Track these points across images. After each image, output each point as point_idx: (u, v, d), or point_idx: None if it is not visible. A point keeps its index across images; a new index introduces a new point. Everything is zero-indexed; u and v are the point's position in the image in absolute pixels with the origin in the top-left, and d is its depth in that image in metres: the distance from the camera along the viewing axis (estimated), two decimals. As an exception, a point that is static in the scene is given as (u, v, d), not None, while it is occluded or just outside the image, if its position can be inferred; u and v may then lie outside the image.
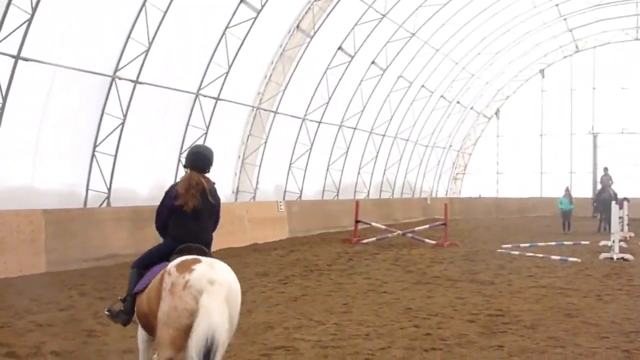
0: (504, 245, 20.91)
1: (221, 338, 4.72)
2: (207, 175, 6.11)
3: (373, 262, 17.05)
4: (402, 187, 36.83)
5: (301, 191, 26.45)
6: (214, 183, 6.18)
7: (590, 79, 40.55)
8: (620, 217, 20.46)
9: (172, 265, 5.26)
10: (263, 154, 24.05)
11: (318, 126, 26.40)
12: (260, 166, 24.03)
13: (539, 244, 21.41)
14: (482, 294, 12.00)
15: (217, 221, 6.53)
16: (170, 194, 6.12)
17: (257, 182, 24.01)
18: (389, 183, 35.05)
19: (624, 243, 20.30)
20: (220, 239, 19.43)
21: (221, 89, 20.64)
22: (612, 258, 17.26)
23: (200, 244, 5.96)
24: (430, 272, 15.06)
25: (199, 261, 5.29)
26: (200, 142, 20.48)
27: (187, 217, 5.98)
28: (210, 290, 4.92)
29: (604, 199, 26.93)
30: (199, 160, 6.10)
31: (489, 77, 39.04)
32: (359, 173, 31.50)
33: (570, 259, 17.10)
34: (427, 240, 21.82)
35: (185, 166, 6.19)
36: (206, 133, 20.60)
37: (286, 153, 25.51)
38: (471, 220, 36.75)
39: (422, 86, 33.31)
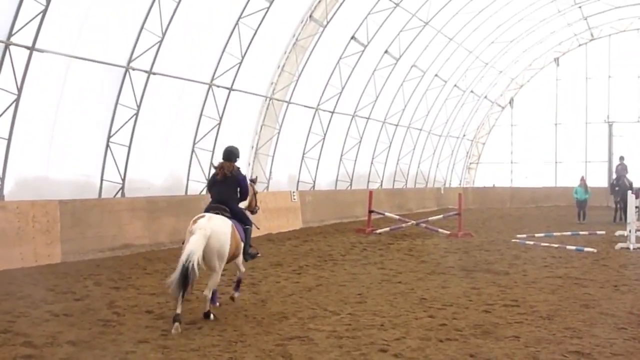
0: (518, 235, 20.85)
1: (194, 255, 8.23)
2: (234, 163, 9.92)
3: (387, 252, 17.04)
4: (415, 177, 36.75)
5: (314, 181, 26.44)
6: (238, 168, 9.95)
7: (606, 67, 40.24)
8: (636, 207, 20.26)
9: (193, 219, 8.94)
10: (276, 144, 24.05)
11: (331, 116, 26.35)
12: (273, 156, 24.03)
13: (554, 233, 21.30)
14: (497, 284, 11.96)
15: (244, 192, 9.95)
16: (214, 174, 9.91)
17: (271, 172, 24.01)
18: (402, 173, 34.98)
19: (640, 233, 20.23)
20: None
21: (234, 79, 20.63)
22: (628, 248, 17.17)
23: (222, 203, 9.50)
24: (445, 262, 15.03)
25: (203, 216, 8.95)
26: (213, 132, 20.50)
27: (217, 185, 9.75)
28: (196, 233, 8.55)
29: (620, 188, 26.79)
30: (225, 153, 9.99)
31: (503, 66, 38.83)
32: (372, 163, 31.44)
33: (586, 249, 17.01)
34: (441, 230, 21.77)
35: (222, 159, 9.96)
36: (219, 123, 20.61)
37: (299, 143, 25.48)
38: (485, 210, 36.68)
39: (436, 75, 33.16)
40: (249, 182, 10.33)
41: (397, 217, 23.56)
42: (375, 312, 9.55)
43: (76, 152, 16.75)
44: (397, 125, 32.36)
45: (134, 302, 10.12)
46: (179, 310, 8.32)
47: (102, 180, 17.23)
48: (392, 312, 9.52)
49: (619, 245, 17.64)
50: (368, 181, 31.24)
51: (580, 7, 35.49)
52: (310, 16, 23.37)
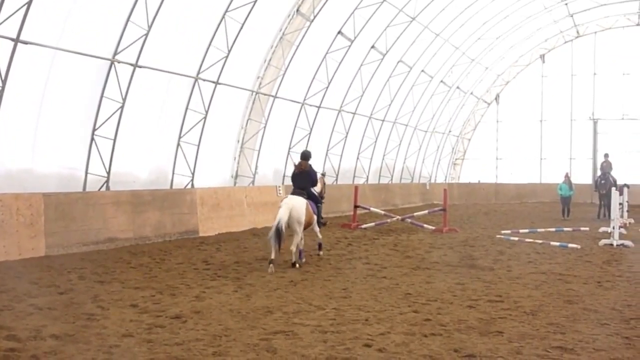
0: (503, 231, 20.97)
1: (283, 221, 12.68)
2: (308, 160, 14.60)
3: (372, 247, 17.09)
4: (401, 172, 36.81)
5: (300, 176, 26.39)
6: (309, 165, 14.50)
7: (591, 64, 40.41)
8: (620, 204, 20.45)
9: (282, 199, 13.70)
10: (262, 138, 24.01)
11: (317, 111, 26.35)
12: (259, 151, 23.99)
13: (539, 230, 21.43)
14: (482, 279, 12.02)
15: (314, 181, 14.63)
16: (295, 169, 14.56)
17: (256, 166, 23.97)
18: (388, 168, 35.04)
19: (623, 229, 20.34)
20: (218, 223, 19.51)
21: (220, 73, 20.57)
22: (612, 244, 17.32)
23: (302, 189, 14.05)
24: (430, 257, 15.09)
25: (287, 197, 13.63)
26: (199, 126, 20.44)
27: (297, 177, 14.33)
28: (283, 206, 13.02)
29: (604, 186, 26.98)
30: (302, 155, 14.69)
31: (489, 62, 38.94)
32: (358, 158, 31.47)
33: (570, 245, 17.14)
34: (426, 225, 21.87)
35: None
36: (205, 117, 20.56)
37: (285, 138, 25.46)
38: (470, 205, 36.82)
39: (422, 71, 33.20)
40: (319, 175, 15.57)
41: (383, 212, 23.63)
42: (360, 306, 9.58)
43: (61, 145, 16.66)
44: (383, 121, 32.39)
45: (119, 296, 10.10)
46: (273, 256, 12.75)
47: (86, 173, 17.15)
48: (376, 307, 9.55)
49: (603, 241, 17.78)
50: (354, 176, 31.25)
51: (566, 4, 35.65)
52: (297, 10, 23.32)
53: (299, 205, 13.52)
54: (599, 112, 39.88)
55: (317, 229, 14.70)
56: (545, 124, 41.82)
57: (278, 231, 12.74)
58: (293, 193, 14.07)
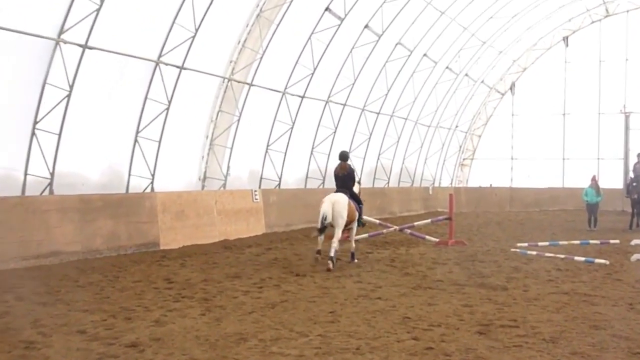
0: (519, 244, 21.03)
1: (327, 213, 15.98)
2: (346, 161, 17.40)
3: (365, 262, 17.10)
4: (399, 174, 36.91)
5: (280, 178, 26.43)
6: (349, 165, 17.24)
7: (623, 48, 40.62)
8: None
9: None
10: (235, 133, 23.97)
11: (301, 101, 26.35)
12: (232, 148, 23.95)
13: (561, 242, 21.49)
14: (493, 301, 12.04)
15: (353, 180, 17.23)
16: (335, 170, 17.24)
17: (228, 167, 23.95)
18: (384, 169, 35.10)
19: (659, 242, 20.51)
20: (184, 234, 19.49)
21: (186, 57, 20.51)
22: (645, 260, 17.40)
23: (343, 188, 16.80)
24: (432, 274, 15.11)
25: (330, 194, 16.63)
26: (160, 118, 20.38)
27: (339, 178, 16.99)
28: (326, 201, 16.19)
29: (636, 189, 27.09)
30: (341, 156, 17.36)
31: (503, 46, 39.09)
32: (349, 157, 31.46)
33: (597, 260, 17.20)
34: (428, 237, 21.89)
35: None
36: (168, 108, 20.50)
37: (263, 133, 25.45)
38: (481, 214, 36.93)
39: (425, 55, 33.30)
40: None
41: (378, 221, 23.59)
42: (350, 333, 9.57)
43: (-5, 141, 16.57)
44: (378, 114, 32.45)
45: (63, 321, 10.04)
46: (319, 247, 16.22)
47: (26, 174, 17.03)
48: (369, 333, 9.55)
49: (635, 256, 17.84)
50: (344, 179, 31.25)
51: (593, -23, 35.95)
52: (277, -17, 23.37)
53: (341, 200, 16.54)
54: (631, 104, 40.09)
55: (354, 232, 17.79)
56: (569, 118, 42.03)
57: (323, 224, 16.07)
58: (337, 191, 17.07)
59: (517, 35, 38.86)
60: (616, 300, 12.27)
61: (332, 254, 15.92)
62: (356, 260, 17.28)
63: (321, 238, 16.21)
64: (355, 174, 17.81)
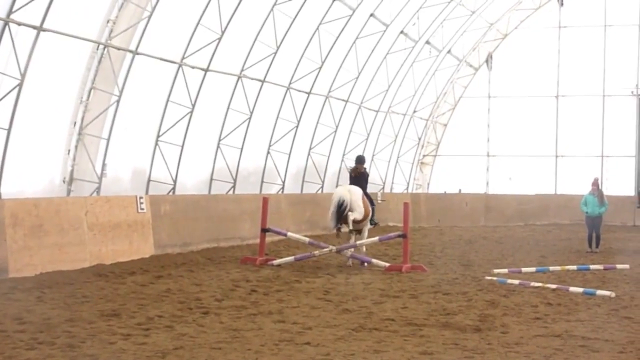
0: (496, 270, 21.27)
1: (346, 198, 21.62)
2: (362, 164, 24.02)
3: (290, 295, 17.12)
4: (337, 175, 37.00)
5: (175, 180, 26.33)
6: (364, 168, 23.91)
7: (635, 9, 41.16)
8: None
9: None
10: (114, 119, 23.79)
11: (204, 76, 26.29)
12: (108, 139, 23.79)
13: (552, 268, 21.81)
14: (461, 346, 12.17)
15: (366, 181, 23.67)
16: (350, 173, 23.83)
17: (104, 165, 23.78)
18: (317, 169, 35.18)
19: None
20: (42, 257, 19.31)
21: (45, 15, 20.24)
22: (662, 291, 17.74)
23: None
24: (380, 311, 15.19)
25: (343, 185, 24.31)
26: (9, 99, 20.01)
27: (353, 179, 23.34)
28: (339, 188, 23.49)
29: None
30: (357, 160, 24.15)
31: (477, 4, 39.46)
32: (268, 153, 31.53)
33: (600, 292, 17.48)
34: (375, 261, 22.00)
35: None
36: (20, 85, 20.19)
37: (151, 119, 25.34)
38: (446, 229, 37.24)
39: (371, 15, 33.48)
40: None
41: (307, 239, 23.67)
42: (269, 390, 9.61)
43: None
44: (309, 94, 32.54)
45: None
46: (336, 226, 21.85)
47: None
48: (295, 391, 9.59)
49: (650, 284, 18.22)
50: (262, 181, 31.30)
51: None
52: None
53: (357, 191, 22.20)
54: (646, 83, 40.86)
55: (366, 234, 23.15)
56: (564, 102, 42.68)
57: (339, 207, 21.52)
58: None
59: (495, -11, 39.39)
60: (624, 345, 12.45)
61: (350, 227, 21.89)
62: (366, 265, 22.11)
63: (337, 226, 22.00)
64: (368, 175, 24.39)
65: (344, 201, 21.02)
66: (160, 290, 17.36)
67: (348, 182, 23.74)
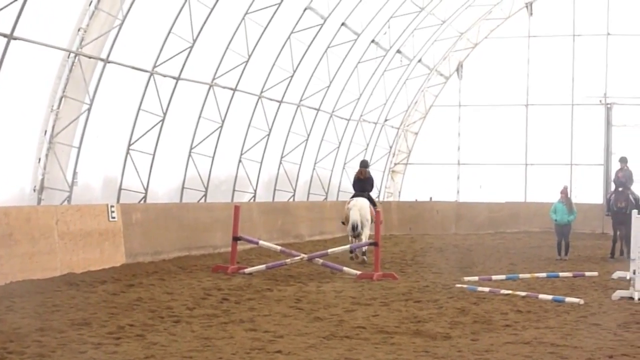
0: (467, 278, 21.32)
1: (357, 221, 25.47)
2: (367, 168, 28.27)
3: (261, 303, 17.09)
4: (309, 183, 36.99)
5: (147, 189, 26.22)
6: (369, 172, 28.01)
7: (603, 19, 41.41)
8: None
9: (348, 200, 27.22)
10: (85, 128, 23.67)
11: (175, 84, 26.21)
12: (79, 148, 23.67)
13: (521, 275, 21.89)
14: (432, 354, 12.18)
15: (373, 185, 28.09)
16: (355, 176, 27.84)
17: (75, 173, 23.66)
18: (289, 177, 35.15)
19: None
20: (12, 266, 19.19)
21: (16, 23, 20.15)
22: (632, 298, 17.78)
23: (364, 191, 26.96)
24: (352, 319, 15.19)
25: (353, 200, 26.38)
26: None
27: (359, 182, 27.35)
28: (352, 208, 25.80)
29: (621, 208, 27.64)
30: (362, 164, 28.40)
31: (447, 14, 39.55)
32: (240, 161, 31.47)
33: (569, 299, 17.56)
34: (347, 269, 22.00)
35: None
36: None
37: (123, 127, 25.23)
38: (417, 237, 37.32)
39: (343, 24, 33.50)
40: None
41: (279, 248, 23.65)
42: (240, 399, 9.56)
43: None
44: (280, 102, 32.51)
45: None
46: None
47: None
48: (266, 400, 9.56)
49: (618, 293, 18.24)
50: (234, 190, 31.24)
51: None
52: None
53: (365, 205, 25.88)
54: (614, 91, 41.03)
55: (367, 233, 25.93)
56: (533, 111, 42.82)
57: (354, 226, 25.32)
58: (355, 196, 26.72)
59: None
60: (592, 351, 12.48)
61: (364, 250, 25.65)
62: (366, 258, 25.70)
63: (353, 235, 25.73)
64: (374, 180, 28.49)
65: (357, 225, 25.18)
66: (131, 299, 17.28)
67: (351, 184, 28.41)
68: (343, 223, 26.95)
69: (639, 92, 40.59)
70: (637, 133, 40.04)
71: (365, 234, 25.60)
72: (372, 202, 26.67)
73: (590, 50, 41.64)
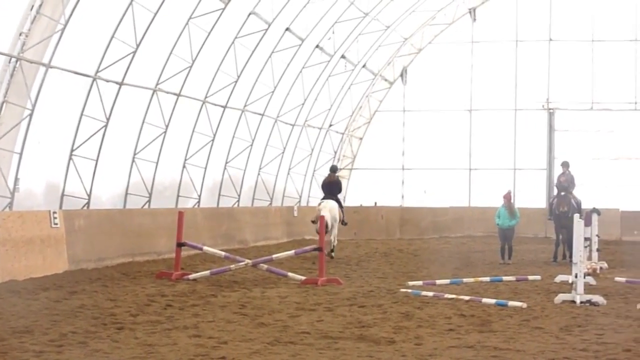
0: (411, 283, 21.37)
1: (327, 221, 26.79)
2: (335, 173, 32.26)
3: (205, 309, 17.03)
4: (254, 189, 36.95)
5: (90, 194, 26.05)
6: (337, 177, 31.86)
7: (546, 25, 41.93)
8: (586, 239, 21.20)
9: (319, 202, 30.14)
10: (27, 133, 23.49)
11: (118, 89, 26.05)
12: (21, 154, 23.48)
13: (465, 280, 22.00)
14: (376, 358, 12.19)
15: (340, 189, 31.64)
16: (324, 180, 31.69)
17: (17, 179, 23.47)
18: (234, 183, 35.09)
19: (592, 278, 21.18)
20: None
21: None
22: (574, 301, 17.93)
23: (332, 194, 30.13)
24: (296, 325, 15.17)
25: (324, 202, 29.40)
26: None
27: (327, 185, 30.83)
28: (323, 209, 28.32)
29: (562, 212, 27.89)
30: (331, 169, 32.27)
31: (391, 19, 39.66)
32: (184, 166, 31.36)
33: (512, 303, 17.66)
34: (291, 274, 21.99)
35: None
36: None
37: (65, 132, 25.04)
38: (362, 242, 37.36)
39: (287, 29, 33.52)
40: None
41: (223, 253, 23.60)
42: (183, 406, 9.54)
43: None
44: (224, 107, 32.44)
45: None
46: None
47: None
48: (209, 406, 9.53)
49: (561, 296, 18.39)
50: (178, 195, 31.13)
51: None
52: None
53: (334, 206, 29.01)
54: (556, 96, 41.51)
55: (336, 231, 29.61)
56: (477, 116, 43.07)
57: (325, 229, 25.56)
58: (324, 198, 29.69)
59: (409, 5, 39.55)
60: (534, 355, 12.58)
61: (331, 247, 28.93)
62: (333, 254, 28.98)
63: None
64: (341, 183, 32.41)
65: (327, 224, 26.71)
66: (74, 306, 17.13)
67: (320, 187, 31.95)
68: (313, 222, 29.12)
69: (581, 97, 41.16)
70: (579, 138, 40.48)
71: (334, 234, 29.08)
72: (340, 204, 29.92)
73: (533, 55, 42.05)
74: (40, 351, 12.42)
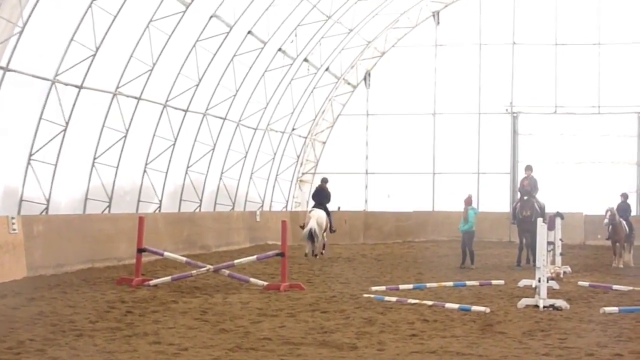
0: (374, 288, 21.42)
1: (315, 228, 31.37)
2: (326, 184, 34.24)
3: (166, 316, 16.96)
4: (215, 193, 36.87)
5: (49, 200, 25.90)
6: (326, 187, 33.82)
7: (509, 28, 42.16)
8: (550, 243, 21.30)
9: (309, 211, 33.65)
10: (-16, 138, 23.40)
11: (78, 93, 25.94)
12: (-23, 158, 23.37)
13: (428, 284, 22.06)
14: (338, 365, 12.20)
15: (329, 198, 33.66)
16: (316, 189, 34.36)
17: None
18: (195, 187, 34.99)
19: (555, 283, 21.30)
20: None
21: None
22: (537, 306, 18.02)
23: (321, 204, 33.05)
24: (258, 331, 15.14)
25: (313, 211, 32.64)
26: None
27: (317, 194, 33.72)
28: (312, 217, 31.94)
29: (526, 217, 28.02)
30: (322, 181, 34.38)
31: (354, 22, 39.71)
32: (145, 171, 31.24)
33: (475, 308, 17.73)
34: (253, 280, 21.96)
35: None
36: None
37: (23, 135, 24.89)
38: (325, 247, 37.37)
39: (249, 32, 33.48)
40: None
41: (185, 259, 23.54)
42: (142, 414, 9.47)
43: None
44: (186, 111, 32.34)
45: None
46: (307, 251, 31.88)
47: None
48: (169, 414, 9.48)
49: (524, 301, 18.47)
50: (139, 200, 31.00)
51: None
52: None
53: (322, 215, 31.71)
54: (520, 100, 41.72)
55: (326, 238, 32.48)
56: (441, 120, 43.19)
57: (311, 234, 30.73)
58: (315, 207, 32.46)
59: (372, 8, 39.59)
60: (497, 359, 12.67)
61: (318, 250, 31.61)
62: (323, 252, 32.07)
63: (310, 245, 31.64)
64: (330, 194, 33.61)
65: (315, 231, 30.88)
66: (32, 313, 17.02)
67: (311, 196, 35.03)
68: (301, 227, 32.16)
69: (545, 101, 41.40)
70: (543, 142, 40.71)
71: (322, 240, 32.16)
72: (328, 213, 32.79)
73: (497, 59, 42.26)
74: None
